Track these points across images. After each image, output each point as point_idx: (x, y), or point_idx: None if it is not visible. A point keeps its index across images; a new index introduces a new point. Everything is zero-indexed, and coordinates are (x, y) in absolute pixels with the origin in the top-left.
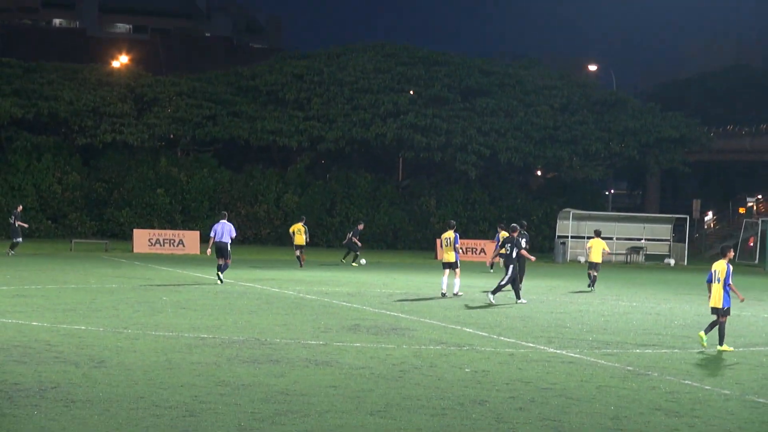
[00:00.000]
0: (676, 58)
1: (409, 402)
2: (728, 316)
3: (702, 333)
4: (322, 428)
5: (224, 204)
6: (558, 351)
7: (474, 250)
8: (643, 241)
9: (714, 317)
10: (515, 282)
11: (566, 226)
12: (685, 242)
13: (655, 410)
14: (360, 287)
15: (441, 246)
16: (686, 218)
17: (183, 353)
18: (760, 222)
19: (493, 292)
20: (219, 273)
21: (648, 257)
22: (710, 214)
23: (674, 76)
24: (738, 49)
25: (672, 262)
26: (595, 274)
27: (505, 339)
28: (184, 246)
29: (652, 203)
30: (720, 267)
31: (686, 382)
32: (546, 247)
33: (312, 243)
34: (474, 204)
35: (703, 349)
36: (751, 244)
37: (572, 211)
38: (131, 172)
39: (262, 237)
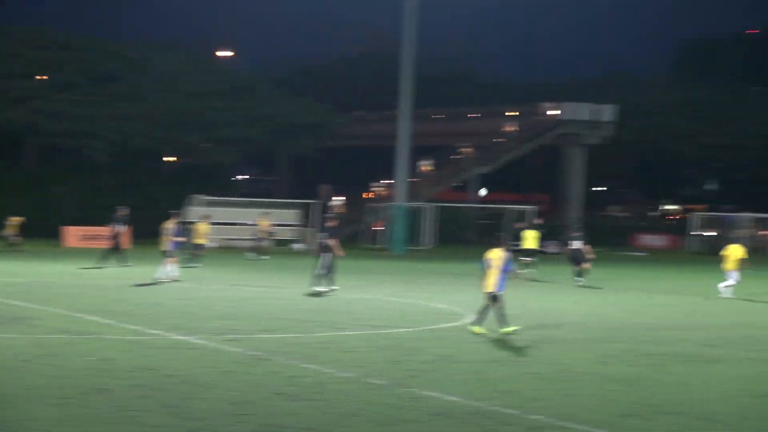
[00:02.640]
0: (310, 45)
1: (31, 392)
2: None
3: (474, 327)
4: None
5: None
6: (184, 337)
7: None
8: (272, 226)
9: (487, 303)
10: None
11: (196, 211)
12: (313, 228)
13: (277, 394)
14: None
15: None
16: (315, 204)
17: None
18: (386, 206)
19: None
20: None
21: (277, 242)
22: (339, 198)
23: (307, 63)
24: (368, 36)
25: (300, 247)
26: (200, 253)
27: (131, 326)
28: None
29: (284, 189)
30: (496, 255)
31: (309, 366)
32: None
33: None
34: (103, 191)
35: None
36: (378, 228)
37: (202, 197)
38: None
39: None
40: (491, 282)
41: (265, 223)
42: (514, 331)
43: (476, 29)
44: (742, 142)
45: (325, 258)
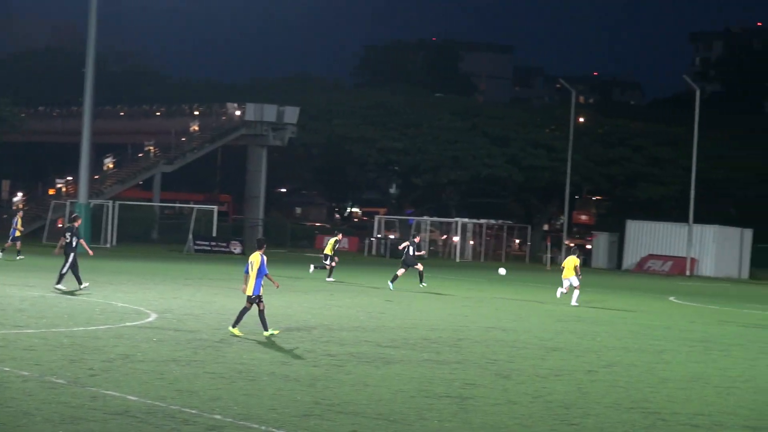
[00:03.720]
0: None
1: None
2: (263, 303)
3: (232, 328)
4: None
5: None
6: None
7: None
8: None
9: (246, 306)
10: (75, 268)
11: None
12: None
13: None
14: None
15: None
16: None
17: None
18: (68, 203)
19: (57, 282)
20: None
21: None
22: (20, 194)
23: None
24: (54, 30)
25: None
26: None
27: None
28: None
29: None
30: (255, 258)
31: None
32: None
33: None
34: None
35: (240, 337)
36: (60, 225)
37: None
38: None
39: None
40: (250, 285)
41: (19, 222)
42: (272, 334)
43: (163, 27)
44: (423, 146)
45: (72, 257)
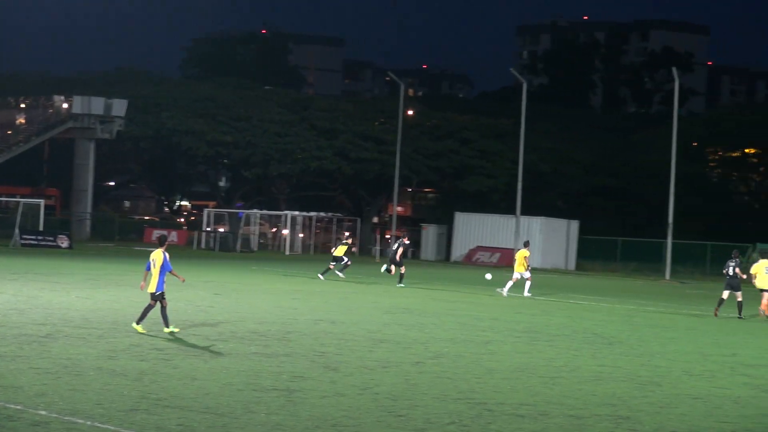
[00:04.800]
0: None
1: None
2: (166, 300)
3: (135, 325)
4: None
5: None
6: None
7: None
8: None
9: (150, 303)
10: None
11: None
12: None
13: None
14: None
15: None
16: None
17: None
18: None
19: None
20: None
21: None
22: None
23: None
24: None
25: None
26: None
27: None
28: None
29: None
30: (157, 256)
31: None
32: None
33: None
34: None
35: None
36: None
37: None
38: None
39: None
40: (153, 282)
41: None
42: (173, 331)
43: None
44: (253, 139)
45: None
